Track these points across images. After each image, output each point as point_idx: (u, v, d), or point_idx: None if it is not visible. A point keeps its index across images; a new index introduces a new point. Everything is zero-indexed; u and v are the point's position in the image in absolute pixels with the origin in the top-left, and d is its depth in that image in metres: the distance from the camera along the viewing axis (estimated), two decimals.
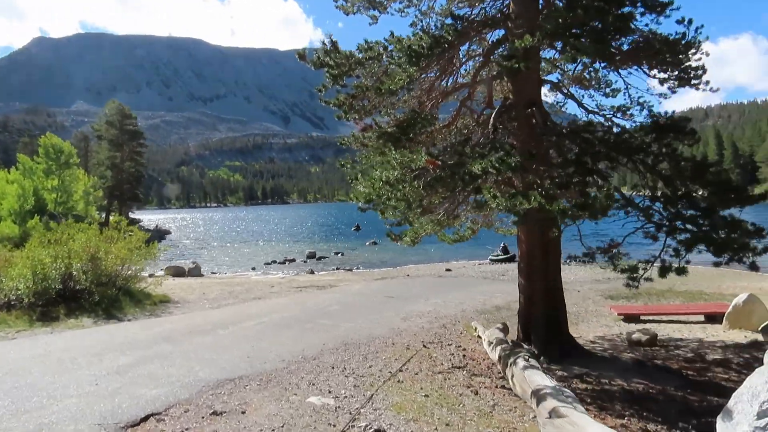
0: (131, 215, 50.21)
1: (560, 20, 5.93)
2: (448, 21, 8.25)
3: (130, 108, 49.56)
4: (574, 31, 6.01)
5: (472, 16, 7.64)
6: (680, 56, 7.13)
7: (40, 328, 10.18)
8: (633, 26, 5.95)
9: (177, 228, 79.35)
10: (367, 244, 40.59)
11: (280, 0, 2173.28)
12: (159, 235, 48.42)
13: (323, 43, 7.56)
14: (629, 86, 8.29)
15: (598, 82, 9.34)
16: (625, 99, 8.72)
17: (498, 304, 12.78)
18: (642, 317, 10.71)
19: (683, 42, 6.94)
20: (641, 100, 8.71)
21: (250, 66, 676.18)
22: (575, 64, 7.85)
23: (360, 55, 7.68)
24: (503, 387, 5.89)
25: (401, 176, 5.87)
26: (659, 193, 5.59)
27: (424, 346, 8.06)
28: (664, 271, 5.51)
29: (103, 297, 12.34)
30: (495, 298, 13.88)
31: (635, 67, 7.41)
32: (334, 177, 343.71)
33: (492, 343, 7.06)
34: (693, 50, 7.10)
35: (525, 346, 6.45)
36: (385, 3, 8.15)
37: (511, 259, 25.93)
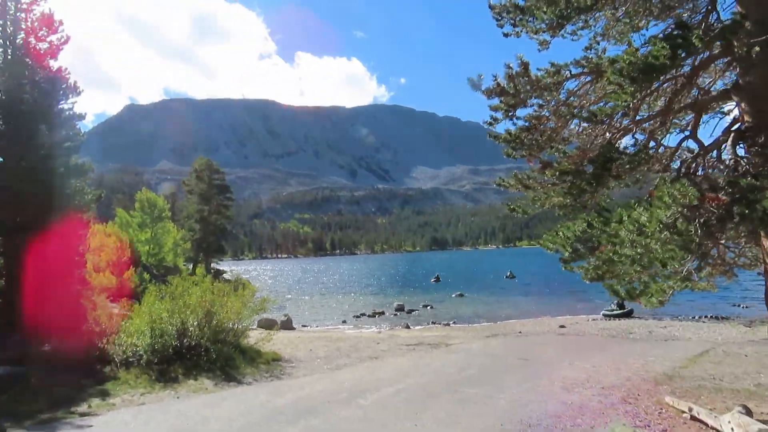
0: (215, 266, 51.12)
1: None
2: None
3: None
4: None
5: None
6: None
7: (162, 391, 9.36)
8: None
9: (253, 279, 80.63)
10: (453, 296, 38.83)
11: (344, 60, 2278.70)
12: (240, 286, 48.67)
13: (507, 66, 6.50)
14: None
15: None
16: None
17: (663, 371, 10.78)
18: None
19: None
20: None
21: (319, 123, 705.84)
22: None
23: (548, 81, 6.57)
24: None
25: (677, 217, 4.53)
26: None
27: None
28: None
29: (219, 355, 11.52)
30: (650, 362, 11.85)
31: None
32: (400, 227, 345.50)
33: None
34: None
35: None
36: (564, 23, 7.06)
37: (627, 315, 23.41)
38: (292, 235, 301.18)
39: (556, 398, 8.43)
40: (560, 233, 5.95)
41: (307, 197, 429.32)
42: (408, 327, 23.94)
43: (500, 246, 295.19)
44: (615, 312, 23.50)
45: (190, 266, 48.10)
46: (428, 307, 32.41)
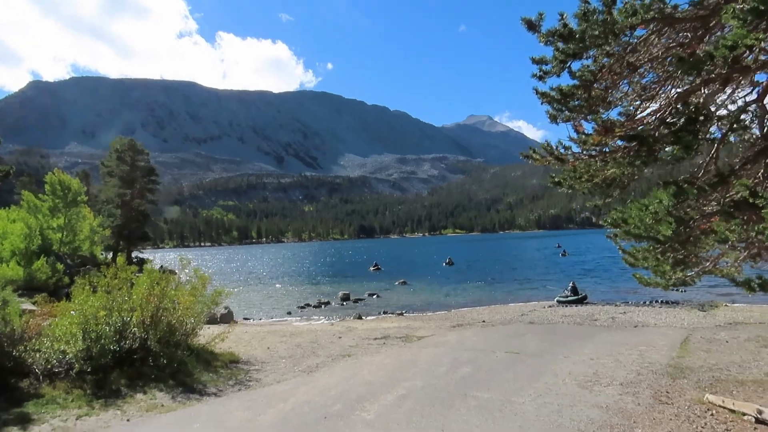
0: (138, 255, 47.12)
1: None
2: None
3: None
4: None
5: None
6: None
7: (104, 411, 7.43)
8: None
9: (178, 268, 75.86)
10: (396, 284, 37.86)
11: (269, 43, 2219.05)
12: None
13: (584, 1, 5.20)
14: None
15: None
16: None
17: (667, 363, 10.14)
18: None
19: None
20: None
21: (244, 108, 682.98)
22: None
23: (625, 23, 5.35)
24: None
25: None
26: None
27: None
28: None
29: (169, 360, 9.63)
30: (643, 352, 11.20)
31: None
32: (327, 215, 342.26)
33: None
34: None
35: None
36: None
37: (581, 301, 23.31)
38: (215, 223, 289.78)
39: (583, 400, 7.40)
40: (651, 207, 4.80)
41: (231, 184, 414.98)
42: (360, 318, 22.57)
43: (426, 234, 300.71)
44: (570, 298, 23.36)
45: (110, 255, 43.98)
46: (374, 296, 31.18)
